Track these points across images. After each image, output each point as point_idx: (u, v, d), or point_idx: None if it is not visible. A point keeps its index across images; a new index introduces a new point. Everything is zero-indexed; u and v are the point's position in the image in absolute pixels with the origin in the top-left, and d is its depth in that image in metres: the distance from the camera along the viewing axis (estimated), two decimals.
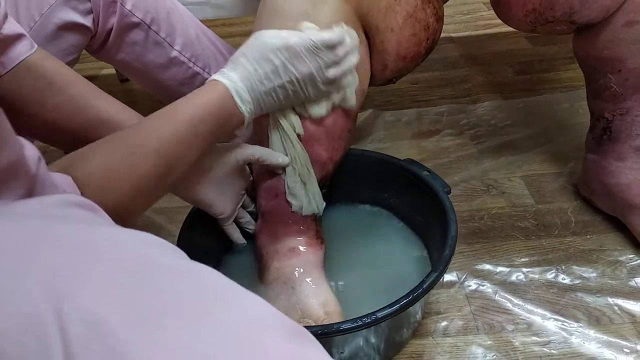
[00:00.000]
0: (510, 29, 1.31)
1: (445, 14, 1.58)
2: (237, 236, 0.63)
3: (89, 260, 0.25)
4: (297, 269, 0.58)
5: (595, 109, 0.72)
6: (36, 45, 0.53)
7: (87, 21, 0.65)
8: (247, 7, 0.87)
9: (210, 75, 0.78)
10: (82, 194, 0.41)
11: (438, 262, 0.52)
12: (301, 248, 0.59)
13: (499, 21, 0.75)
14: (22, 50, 0.51)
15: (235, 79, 0.51)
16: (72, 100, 0.54)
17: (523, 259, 0.70)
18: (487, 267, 0.69)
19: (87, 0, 0.65)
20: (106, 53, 0.72)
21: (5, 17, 0.50)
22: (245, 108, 0.52)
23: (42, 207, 0.29)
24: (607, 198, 0.73)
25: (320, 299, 0.56)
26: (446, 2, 0.73)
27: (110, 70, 1.35)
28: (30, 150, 0.34)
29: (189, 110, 0.49)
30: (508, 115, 1.01)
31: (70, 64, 0.67)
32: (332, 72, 0.54)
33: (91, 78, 1.35)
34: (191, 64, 0.77)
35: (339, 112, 0.59)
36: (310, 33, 0.53)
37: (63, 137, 0.55)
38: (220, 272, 0.29)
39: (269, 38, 0.52)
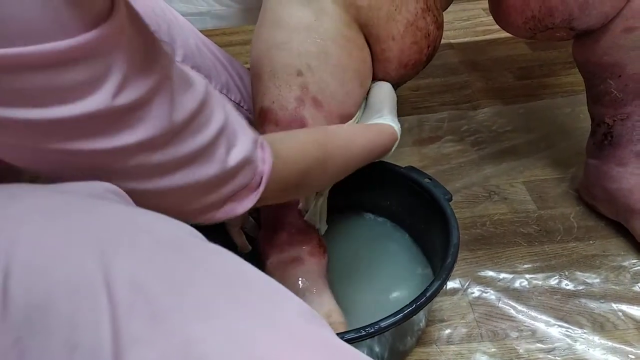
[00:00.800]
0: (510, 34, 1.33)
1: (444, 20, 1.59)
2: (242, 241, 0.64)
3: (132, 232, 0.27)
4: (300, 279, 0.58)
5: (595, 114, 0.73)
6: None
7: None
8: (247, 18, 0.88)
9: (212, 86, 0.80)
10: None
11: (441, 269, 0.52)
12: (304, 257, 0.59)
13: (499, 27, 0.75)
14: None
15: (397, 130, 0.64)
16: None
17: (526, 265, 0.70)
18: (490, 273, 0.69)
19: None
20: None
21: None
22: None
23: (83, 189, 0.30)
24: (610, 203, 0.72)
25: (324, 309, 0.56)
26: (446, 9, 0.73)
27: None
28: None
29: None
30: (509, 120, 1.01)
31: None
32: None
33: None
34: None
35: (343, 121, 0.60)
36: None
37: None
38: None
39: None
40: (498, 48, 1.31)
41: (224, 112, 0.39)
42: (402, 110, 1.10)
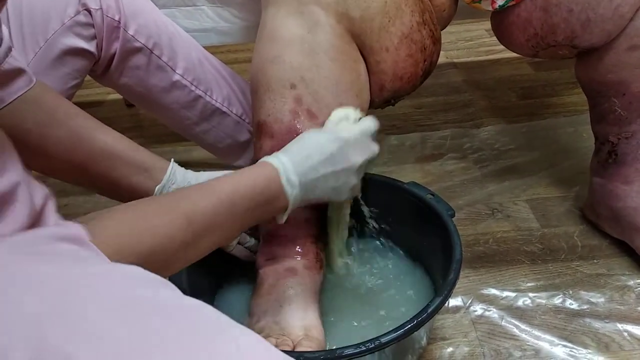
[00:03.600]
0: (513, 54, 1.33)
1: (447, 41, 1.61)
2: (244, 254, 0.63)
3: (70, 303, 0.25)
4: (290, 288, 0.57)
5: (599, 132, 0.72)
6: (35, 79, 0.53)
7: (91, 46, 0.66)
8: (251, 34, 0.89)
9: (213, 99, 0.80)
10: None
11: (443, 286, 0.51)
12: (299, 269, 0.58)
13: (502, 47, 0.76)
14: (21, 84, 0.52)
15: (286, 162, 0.50)
16: (74, 132, 0.55)
17: (529, 284, 0.69)
18: (493, 291, 0.68)
19: (91, 26, 0.66)
20: (109, 78, 0.73)
21: (8, 51, 0.50)
22: (292, 192, 0.50)
23: (30, 241, 0.28)
24: (614, 222, 0.72)
25: (304, 322, 0.54)
26: (445, 27, 0.73)
27: (116, 95, 1.36)
28: (38, 187, 0.34)
29: (231, 184, 0.47)
30: (512, 139, 1.01)
31: (74, 88, 0.68)
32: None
33: (98, 103, 1.37)
34: (193, 87, 0.77)
35: None
36: (360, 125, 0.56)
37: (64, 169, 0.56)
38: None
39: (322, 136, 0.54)
40: (501, 68, 1.32)
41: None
42: (405, 127, 1.10)
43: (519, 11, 0.66)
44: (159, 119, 0.84)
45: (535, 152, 0.95)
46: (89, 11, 0.65)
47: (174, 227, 0.42)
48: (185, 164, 1.07)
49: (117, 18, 0.67)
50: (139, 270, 0.28)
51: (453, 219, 0.61)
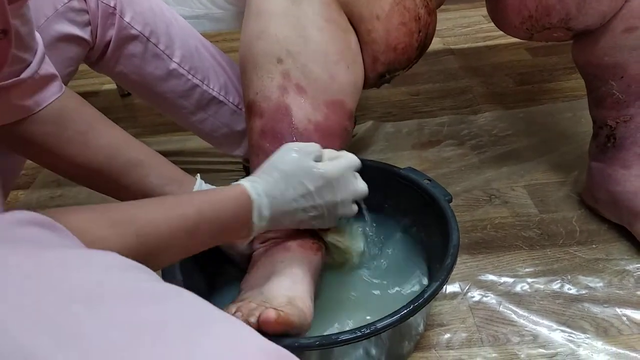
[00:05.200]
0: (510, 40, 1.32)
1: (444, 27, 1.59)
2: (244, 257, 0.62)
3: (34, 291, 0.23)
4: (280, 262, 0.55)
5: (597, 116, 0.71)
6: (64, 86, 0.54)
7: (85, 33, 0.65)
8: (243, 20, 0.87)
9: (210, 88, 0.79)
10: None
11: (440, 271, 0.50)
12: (292, 246, 0.57)
13: (499, 33, 0.75)
14: (55, 90, 0.53)
15: (261, 193, 0.49)
16: (113, 142, 0.56)
17: (527, 269, 0.68)
18: (491, 277, 0.67)
19: (85, 12, 0.64)
20: (104, 65, 0.72)
21: (43, 57, 0.51)
22: (259, 224, 0.49)
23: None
24: (613, 206, 0.71)
25: (290, 292, 0.51)
26: (440, 4, 0.72)
27: (111, 85, 1.35)
28: None
29: (199, 207, 0.45)
30: (509, 125, 1.00)
31: (68, 76, 0.66)
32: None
33: (93, 94, 1.35)
34: (190, 76, 0.76)
35: (331, 108, 0.58)
36: (342, 162, 0.54)
37: (100, 178, 0.56)
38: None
39: (305, 162, 0.51)
40: (498, 54, 1.30)
41: None
42: (402, 114, 1.09)
43: None
44: (154, 108, 0.83)
45: (533, 138, 0.95)
46: None
47: (126, 241, 0.40)
48: (179, 153, 1.07)
49: (112, 4, 0.66)
50: (115, 257, 0.27)
51: (450, 204, 0.60)
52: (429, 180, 0.63)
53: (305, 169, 0.51)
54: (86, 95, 1.44)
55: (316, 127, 0.58)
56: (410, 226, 0.66)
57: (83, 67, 0.73)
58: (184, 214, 0.44)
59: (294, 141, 0.57)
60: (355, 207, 0.56)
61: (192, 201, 0.46)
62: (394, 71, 0.66)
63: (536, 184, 0.83)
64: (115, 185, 0.58)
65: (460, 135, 0.99)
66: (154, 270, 0.39)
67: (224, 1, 0.86)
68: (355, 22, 0.60)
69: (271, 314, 0.46)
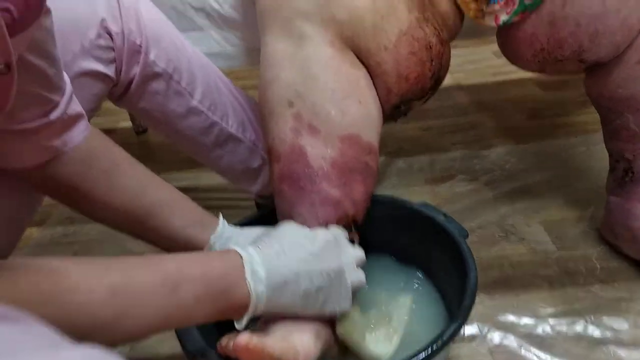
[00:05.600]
0: (520, 75, 1.33)
1: (453, 63, 1.60)
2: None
3: None
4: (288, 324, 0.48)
5: (614, 149, 0.70)
6: (90, 125, 0.55)
7: (110, 70, 0.64)
8: (257, 57, 0.88)
9: (228, 125, 0.79)
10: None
11: (458, 312, 0.48)
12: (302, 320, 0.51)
13: (509, 69, 0.75)
14: (82, 128, 0.53)
15: (252, 252, 0.44)
16: (139, 181, 0.56)
17: (548, 310, 0.66)
18: (511, 318, 0.65)
19: (111, 50, 0.64)
20: (127, 101, 0.71)
21: (71, 97, 0.51)
22: (256, 289, 0.42)
23: None
24: (634, 242, 0.69)
25: (288, 330, 0.47)
26: (452, 39, 0.72)
27: (127, 123, 1.37)
28: None
29: (180, 261, 0.41)
30: (522, 160, 0.99)
31: (92, 112, 0.66)
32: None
33: (108, 131, 1.36)
34: (210, 113, 0.76)
35: (345, 143, 0.58)
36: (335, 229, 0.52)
37: (124, 218, 0.56)
38: None
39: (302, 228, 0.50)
40: (508, 89, 1.31)
41: None
42: (413, 150, 1.08)
43: (525, 26, 0.65)
44: (173, 144, 0.83)
45: (547, 173, 0.93)
46: (110, 34, 0.63)
47: (94, 299, 0.35)
48: (194, 190, 1.06)
49: (138, 42, 0.66)
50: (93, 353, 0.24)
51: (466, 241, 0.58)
52: (445, 215, 0.62)
53: (303, 230, 0.49)
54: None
55: (332, 164, 0.58)
56: (425, 263, 0.64)
57: (103, 104, 0.73)
58: (163, 268, 0.39)
59: (311, 182, 0.56)
60: (362, 273, 0.52)
61: (174, 257, 0.42)
62: (409, 102, 0.66)
63: (552, 219, 0.81)
64: (141, 226, 0.57)
65: (472, 170, 0.98)
66: (124, 337, 0.37)
67: (237, 38, 0.87)
68: (363, 57, 0.60)
69: (242, 339, 0.42)
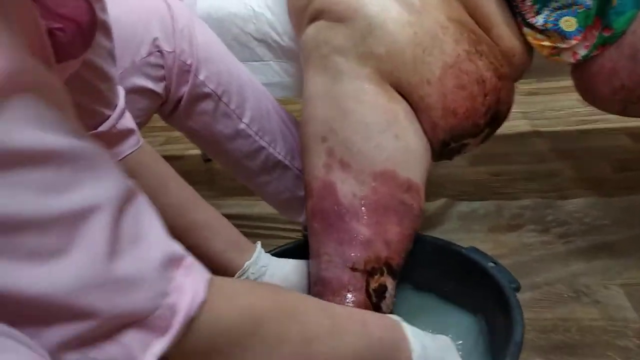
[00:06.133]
0: (609, 125, 1.21)
1: (533, 110, 1.50)
2: None
3: None
4: None
5: None
6: (142, 140, 0.56)
7: (158, 87, 0.66)
8: None
9: (276, 151, 0.78)
10: None
11: None
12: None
13: (596, 117, 0.68)
14: (131, 143, 0.55)
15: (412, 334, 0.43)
16: (182, 201, 0.57)
17: None
18: None
19: (161, 68, 0.65)
20: (176, 119, 0.73)
21: (122, 112, 0.53)
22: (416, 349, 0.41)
23: None
24: None
25: None
26: (519, 77, 0.66)
27: (195, 150, 1.42)
28: None
29: (347, 309, 0.42)
30: (605, 214, 0.87)
31: (138, 126, 0.68)
32: None
33: (177, 158, 1.42)
34: (257, 138, 0.75)
35: (379, 180, 0.53)
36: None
37: None
38: None
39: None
40: (594, 138, 1.19)
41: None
42: (479, 194, 1.01)
43: (603, 61, 0.59)
44: (222, 166, 0.83)
45: (633, 230, 0.81)
46: (162, 53, 0.64)
47: (313, 308, 0.37)
48: (245, 218, 1.06)
49: (189, 62, 0.67)
50: None
51: (520, 295, 0.50)
52: (495, 263, 0.54)
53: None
54: (171, 159, 1.51)
55: (363, 201, 0.54)
56: (474, 315, 0.57)
57: (175, 133, 0.75)
58: (332, 311, 0.39)
59: (340, 219, 0.53)
60: None
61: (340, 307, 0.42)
62: (461, 138, 0.61)
63: (636, 283, 0.70)
64: None
65: (545, 221, 0.88)
66: None
67: (296, 70, 0.87)
68: (405, 92, 0.57)
69: None
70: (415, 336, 0.42)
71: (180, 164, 1.42)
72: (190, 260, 0.32)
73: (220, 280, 0.33)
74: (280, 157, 0.77)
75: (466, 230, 0.89)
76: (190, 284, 0.30)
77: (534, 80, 1.72)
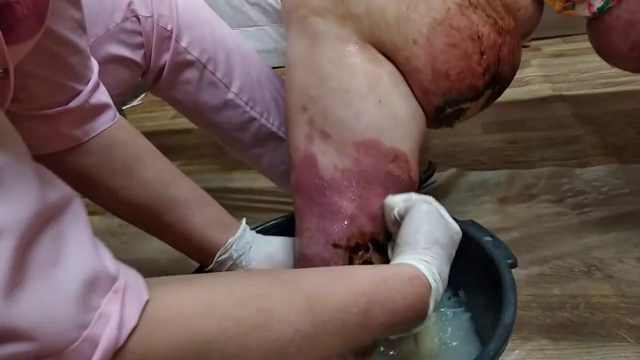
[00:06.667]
0: (638, 87, 1.12)
1: (557, 72, 1.41)
2: None
3: None
4: None
5: None
6: (118, 115, 0.53)
7: (137, 56, 0.63)
8: None
9: (269, 122, 0.75)
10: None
11: (480, 356, 0.38)
12: None
13: (624, 79, 0.61)
14: (106, 119, 0.52)
15: (437, 279, 0.41)
16: (158, 176, 0.54)
17: None
18: None
19: (138, 34, 0.62)
20: (159, 89, 0.70)
21: (96, 86, 0.51)
22: (427, 323, 0.41)
23: None
24: None
25: None
26: (528, 34, 0.60)
27: None
28: None
29: (371, 276, 0.38)
30: (626, 182, 0.81)
31: (117, 97, 0.65)
32: None
33: (186, 132, 1.41)
34: (248, 108, 0.72)
35: (362, 151, 0.50)
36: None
37: (139, 212, 0.55)
38: None
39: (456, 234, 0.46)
40: (620, 101, 1.11)
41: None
42: (491, 163, 0.95)
43: (619, 13, 0.53)
44: (214, 138, 0.80)
45: None
46: (138, 18, 0.61)
47: (292, 308, 0.32)
48: (247, 191, 1.03)
49: (169, 28, 0.63)
50: None
51: (526, 270, 0.47)
52: (492, 237, 0.50)
53: (450, 234, 0.45)
54: (180, 133, 1.48)
55: (345, 174, 0.50)
56: (462, 291, 0.53)
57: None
58: (358, 285, 0.36)
59: (321, 194, 0.50)
60: None
61: (363, 272, 0.39)
62: (457, 103, 0.56)
63: None
64: (157, 223, 0.55)
65: (560, 190, 0.83)
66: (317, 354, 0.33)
67: None
68: (389, 53, 0.53)
69: None
70: (438, 291, 0.40)
71: (188, 137, 1.41)
72: (124, 282, 0.27)
73: (163, 301, 0.29)
74: (273, 129, 0.73)
75: (475, 202, 0.84)
76: (118, 311, 0.26)
77: (561, 41, 1.62)
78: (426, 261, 0.41)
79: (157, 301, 0.28)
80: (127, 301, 0.27)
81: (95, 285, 0.26)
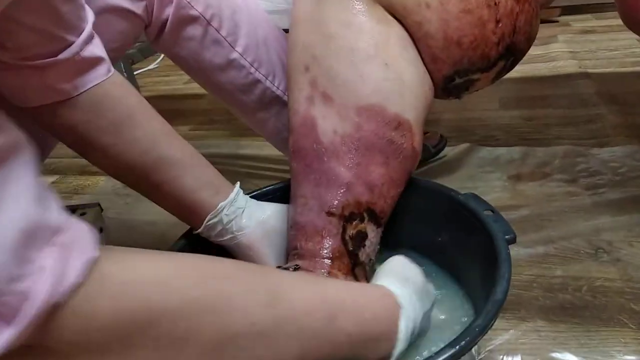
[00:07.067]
0: None
1: (585, 49, 1.36)
2: None
3: None
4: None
5: None
6: (113, 70, 0.51)
7: (138, 8, 0.61)
8: None
9: (274, 85, 0.73)
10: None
11: (463, 332, 0.36)
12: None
13: None
14: (99, 74, 0.50)
15: (409, 308, 0.40)
16: (150, 135, 0.52)
17: (629, 356, 0.49)
18: (570, 358, 0.49)
19: None
20: (162, 45, 0.68)
21: (90, 38, 0.49)
22: (400, 347, 0.38)
23: None
24: None
25: None
26: (546, 4, 0.57)
27: None
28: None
29: (337, 285, 0.38)
30: None
31: (116, 52, 0.63)
32: None
33: (199, 97, 1.40)
34: (252, 70, 0.70)
35: (363, 116, 0.48)
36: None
37: (130, 170, 0.53)
38: None
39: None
40: None
41: None
42: (506, 140, 0.92)
43: None
44: (218, 100, 0.79)
45: None
46: None
47: (253, 300, 0.31)
48: (254, 159, 1.02)
49: None
50: None
51: (531, 250, 0.45)
52: (492, 211, 0.48)
53: (426, 287, 0.44)
54: (191, 97, 1.47)
55: (344, 139, 0.48)
56: (458, 265, 0.52)
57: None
58: (325, 291, 0.35)
59: (318, 159, 0.48)
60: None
61: (334, 283, 0.39)
62: (467, 73, 0.53)
63: None
64: (146, 183, 0.53)
65: (574, 170, 0.80)
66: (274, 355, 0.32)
67: None
68: (399, 16, 0.50)
69: None
70: (406, 328, 0.38)
71: (200, 102, 1.40)
72: (71, 236, 0.26)
73: (120, 266, 0.27)
74: (278, 92, 0.71)
75: (484, 178, 0.82)
76: (58, 265, 0.25)
77: (591, 17, 1.55)
78: (398, 287, 0.40)
79: (113, 264, 0.27)
80: (71, 256, 0.25)
81: (34, 238, 0.24)
